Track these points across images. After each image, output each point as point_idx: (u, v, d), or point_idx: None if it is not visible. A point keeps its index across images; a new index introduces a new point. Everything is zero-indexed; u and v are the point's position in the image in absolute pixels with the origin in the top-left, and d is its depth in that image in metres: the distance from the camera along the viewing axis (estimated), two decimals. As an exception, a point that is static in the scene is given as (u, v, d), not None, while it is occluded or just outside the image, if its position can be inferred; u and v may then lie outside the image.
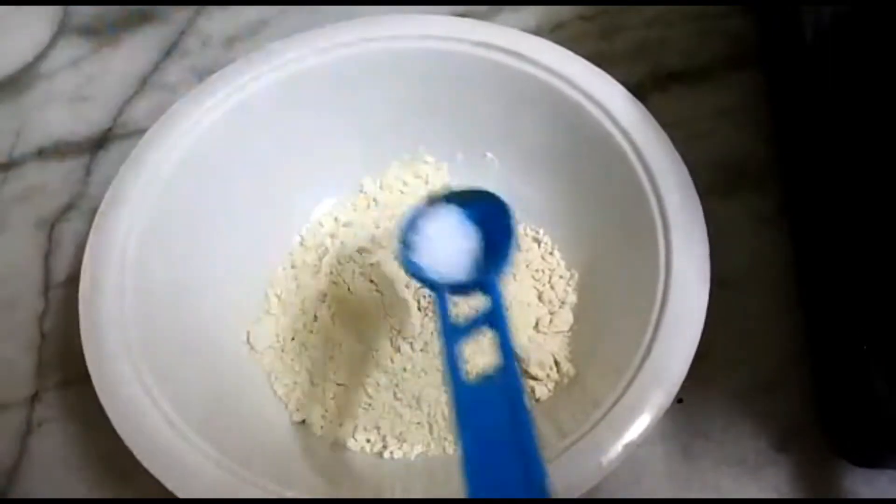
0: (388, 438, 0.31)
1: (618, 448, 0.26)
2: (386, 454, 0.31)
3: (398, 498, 0.27)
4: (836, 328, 0.30)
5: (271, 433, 0.31)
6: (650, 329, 0.28)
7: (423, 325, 0.32)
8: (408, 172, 0.37)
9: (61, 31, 0.46)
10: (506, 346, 0.23)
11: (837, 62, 0.33)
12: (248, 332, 0.34)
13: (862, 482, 0.31)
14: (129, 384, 0.28)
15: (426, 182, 0.37)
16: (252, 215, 0.35)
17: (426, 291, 0.32)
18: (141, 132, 0.34)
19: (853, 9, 0.32)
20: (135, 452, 0.27)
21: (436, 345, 0.32)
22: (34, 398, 0.35)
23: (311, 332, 0.33)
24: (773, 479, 0.32)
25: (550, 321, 0.33)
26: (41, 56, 0.45)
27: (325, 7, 0.45)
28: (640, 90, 0.33)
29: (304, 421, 0.32)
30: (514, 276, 0.34)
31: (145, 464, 0.27)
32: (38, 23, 0.45)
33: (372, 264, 0.33)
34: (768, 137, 0.39)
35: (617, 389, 0.27)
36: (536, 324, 0.33)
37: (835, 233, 0.31)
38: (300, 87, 0.35)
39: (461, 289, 0.26)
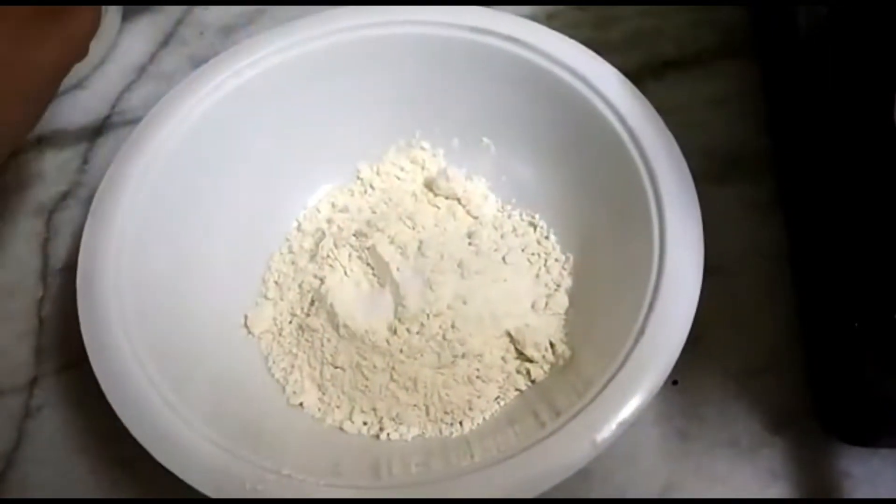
0: (385, 420, 0.31)
1: (611, 426, 0.26)
2: (382, 436, 0.31)
3: (400, 498, 0.27)
4: (828, 308, 0.30)
5: (269, 415, 0.31)
6: (644, 311, 0.29)
7: (419, 307, 0.32)
8: (404, 158, 0.38)
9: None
10: None
11: (830, 51, 0.33)
12: (246, 316, 0.34)
13: (856, 462, 0.31)
14: (128, 366, 0.28)
15: (423, 168, 0.37)
16: (249, 201, 0.36)
17: (424, 275, 0.33)
18: (138, 121, 0.34)
19: (846, -2, 0.33)
20: (133, 433, 0.27)
21: (432, 327, 0.32)
22: (33, 383, 0.35)
23: (308, 315, 0.33)
24: (768, 461, 0.32)
25: (546, 304, 0.33)
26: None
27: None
28: (634, 79, 0.33)
29: (301, 403, 0.32)
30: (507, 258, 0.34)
31: (144, 444, 0.27)
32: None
33: (368, 248, 0.33)
34: (761, 125, 0.39)
35: (611, 369, 0.28)
36: (532, 306, 0.33)
37: (827, 217, 0.32)
38: (295, 74, 0.35)
39: None
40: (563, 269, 0.34)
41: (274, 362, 0.33)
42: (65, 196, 0.40)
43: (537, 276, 0.34)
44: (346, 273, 0.33)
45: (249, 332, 0.34)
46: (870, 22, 0.31)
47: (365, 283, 0.33)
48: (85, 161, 0.41)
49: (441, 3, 0.35)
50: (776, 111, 0.39)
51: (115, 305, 0.30)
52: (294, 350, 0.33)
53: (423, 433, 0.31)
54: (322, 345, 0.32)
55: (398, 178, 0.37)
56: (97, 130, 0.42)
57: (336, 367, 0.32)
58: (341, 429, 0.32)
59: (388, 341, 0.32)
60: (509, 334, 0.32)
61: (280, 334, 0.34)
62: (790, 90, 0.37)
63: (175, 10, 0.46)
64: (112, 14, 0.44)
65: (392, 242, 0.33)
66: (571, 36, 0.34)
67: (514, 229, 0.35)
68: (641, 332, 0.28)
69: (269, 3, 0.45)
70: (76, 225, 0.39)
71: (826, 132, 0.32)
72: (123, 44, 0.45)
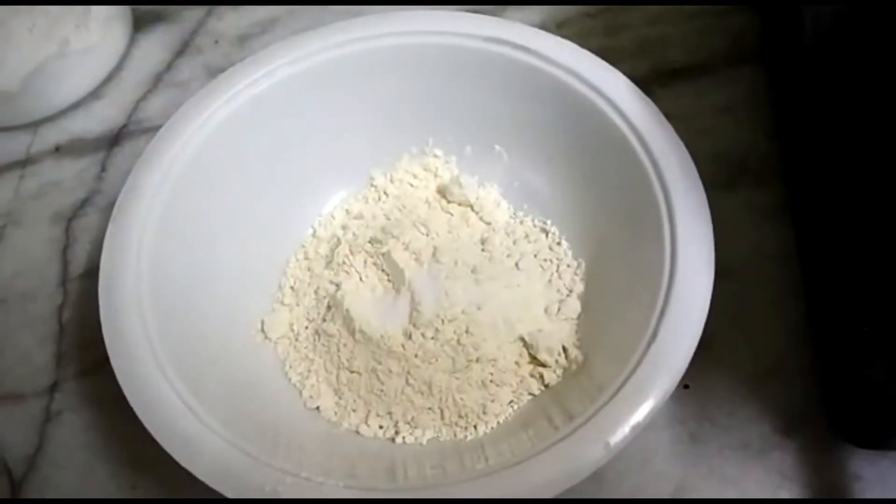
0: (400, 424, 0.32)
1: (625, 429, 0.27)
2: (398, 439, 0.31)
3: (408, 498, 0.27)
4: (837, 311, 0.31)
5: (286, 419, 0.32)
6: (655, 316, 0.29)
7: (433, 313, 0.32)
8: (417, 165, 0.38)
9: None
10: None
11: (837, 58, 0.33)
12: (263, 322, 0.35)
13: (866, 464, 0.32)
14: (149, 370, 0.29)
15: (435, 175, 0.38)
16: (265, 208, 0.36)
17: (438, 281, 0.33)
18: (155, 129, 0.35)
19: (853, 5, 0.33)
20: (155, 436, 0.28)
21: (447, 332, 0.32)
22: (53, 388, 0.36)
23: (325, 321, 0.34)
24: (778, 463, 0.32)
25: (559, 309, 0.34)
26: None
27: (334, 7, 0.46)
28: (642, 86, 0.34)
29: (318, 407, 0.33)
30: (520, 264, 0.35)
31: (165, 447, 0.28)
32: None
33: (383, 254, 0.34)
34: (769, 132, 0.40)
35: (623, 373, 0.28)
36: (545, 311, 0.34)
37: (835, 221, 0.32)
38: (310, 83, 0.36)
39: None
40: (576, 274, 0.35)
41: (291, 367, 0.34)
42: (83, 203, 0.41)
43: (550, 281, 0.35)
44: (361, 279, 0.34)
45: (266, 337, 0.34)
46: (877, 27, 0.31)
47: (380, 289, 0.34)
48: (103, 169, 0.42)
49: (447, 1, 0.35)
50: (784, 117, 0.39)
51: (135, 311, 0.30)
52: (310, 355, 0.34)
53: (437, 436, 0.32)
54: (338, 349, 0.33)
55: (411, 185, 0.38)
56: (115, 139, 0.43)
57: (352, 372, 0.33)
58: (357, 432, 0.32)
59: (403, 346, 0.32)
60: (522, 339, 0.33)
61: (296, 339, 0.34)
62: (798, 96, 0.37)
63: (190, 20, 0.47)
64: (119, 22, 0.45)
65: (407, 249, 0.34)
66: (581, 44, 0.35)
67: (527, 235, 0.36)
68: (654, 336, 0.28)
69: (286, 3, 0.46)
70: (95, 232, 0.40)
71: (834, 137, 0.33)
72: (139, 53, 0.46)
